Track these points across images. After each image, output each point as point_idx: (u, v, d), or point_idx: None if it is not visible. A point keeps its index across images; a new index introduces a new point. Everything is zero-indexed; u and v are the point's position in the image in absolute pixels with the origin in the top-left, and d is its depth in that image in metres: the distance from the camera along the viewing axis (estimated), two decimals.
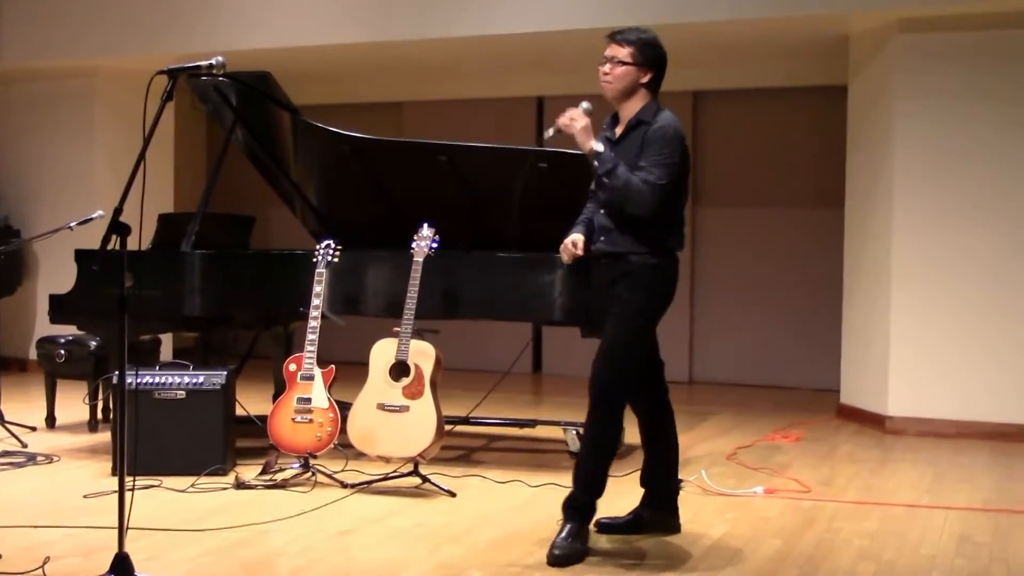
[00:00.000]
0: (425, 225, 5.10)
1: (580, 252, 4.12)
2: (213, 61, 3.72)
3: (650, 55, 4.00)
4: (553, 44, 7.68)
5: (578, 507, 3.98)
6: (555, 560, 3.84)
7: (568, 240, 4.16)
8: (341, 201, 6.36)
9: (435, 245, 5.05)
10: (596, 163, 3.92)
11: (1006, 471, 5.68)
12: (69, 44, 8.44)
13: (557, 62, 8.53)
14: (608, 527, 4.23)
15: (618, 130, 4.06)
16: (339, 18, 7.68)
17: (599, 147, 3.92)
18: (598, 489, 3.99)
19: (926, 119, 6.69)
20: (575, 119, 3.93)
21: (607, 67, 4.01)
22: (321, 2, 7.72)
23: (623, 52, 3.99)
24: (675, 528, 4.27)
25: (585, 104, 3.99)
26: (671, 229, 4.01)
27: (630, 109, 4.02)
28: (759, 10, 6.69)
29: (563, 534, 3.93)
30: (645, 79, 4.00)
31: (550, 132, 4.00)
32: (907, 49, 6.72)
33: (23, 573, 3.60)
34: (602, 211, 4.04)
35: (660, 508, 4.28)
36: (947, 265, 6.67)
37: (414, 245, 5.05)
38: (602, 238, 4.04)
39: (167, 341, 8.07)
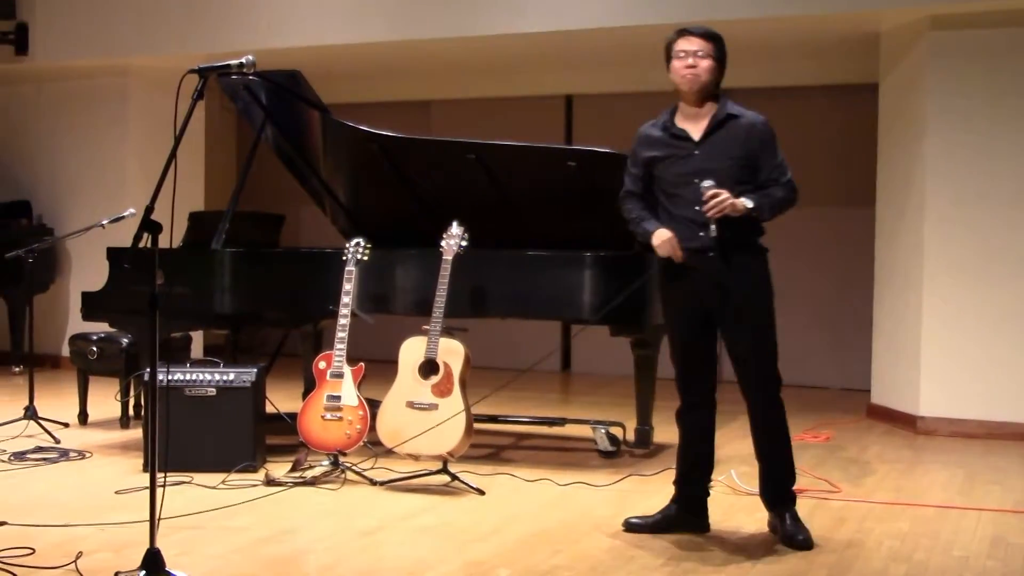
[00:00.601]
0: (454, 223, 5.10)
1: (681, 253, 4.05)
2: (243, 60, 3.74)
3: (724, 46, 4.07)
4: (582, 42, 7.67)
5: (790, 494, 4.19)
6: (808, 543, 4.04)
7: (670, 239, 4.02)
8: (370, 199, 6.38)
9: (464, 243, 5.05)
10: (756, 213, 3.97)
11: None
12: (101, 43, 8.50)
13: (586, 60, 8.52)
14: (637, 526, 4.23)
15: (698, 126, 4.04)
16: (368, 17, 7.70)
17: (749, 203, 3.94)
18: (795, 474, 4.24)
19: (958, 117, 6.63)
20: (722, 200, 3.87)
21: (691, 60, 4.00)
22: (350, 1, 7.74)
23: (708, 47, 4.02)
24: (705, 527, 4.26)
25: (709, 182, 3.91)
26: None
27: (709, 105, 4.06)
28: (789, 8, 6.65)
29: (792, 520, 4.12)
30: (721, 77, 4.08)
31: (713, 230, 3.92)
32: (938, 46, 6.66)
33: (56, 568, 3.64)
34: (697, 208, 3.96)
35: (694, 508, 4.27)
36: (979, 265, 6.61)
37: (443, 243, 5.05)
38: (701, 233, 3.98)
39: (198, 339, 8.12)
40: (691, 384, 4.20)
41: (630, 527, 4.22)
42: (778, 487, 4.21)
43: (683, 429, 4.28)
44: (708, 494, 4.30)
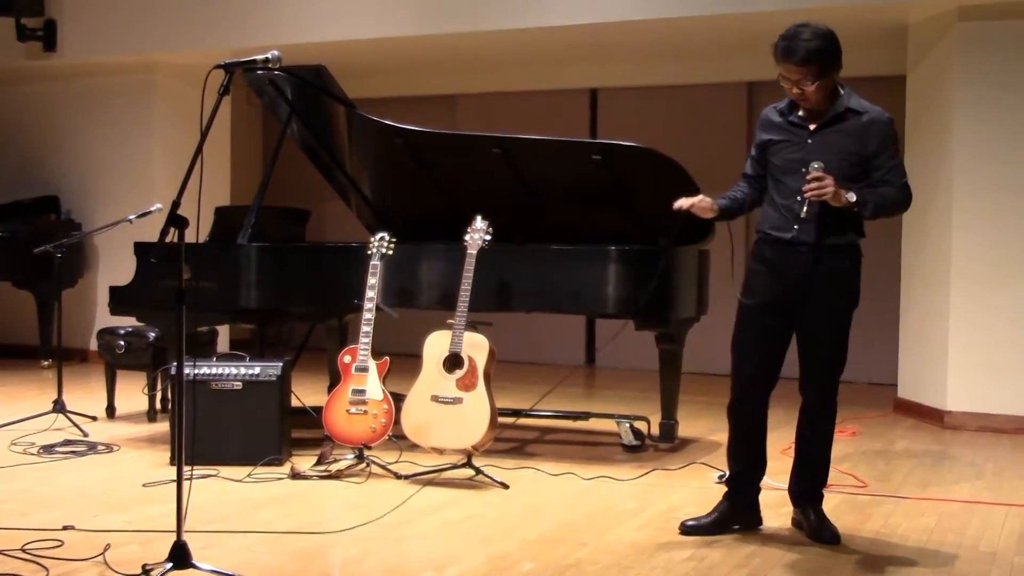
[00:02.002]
0: (479, 217, 5.11)
1: (689, 205, 4.06)
2: (269, 55, 3.75)
3: (829, 56, 3.91)
4: (607, 35, 7.66)
5: (819, 493, 4.21)
6: (836, 538, 4.06)
7: (700, 198, 4.08)
8: (395, 194, 6.39)
9: (489, 237, 5.05)
10: (857, 208, 3.88)
11: None
12: (127, 39, 8.56)
13: (611, 54, 8.50)
14: (695, 528, 4.17)
15: (817, 116, 3.98)
16: (393, 12, 7.71)
17: (852, 196, 3.86)
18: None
19: (987, 109, 6.57)
20: (824, 184, 3.81)
21: (796, 89, 3.91)
22: None
23: (807, 72, 3.87)
24: (759, 522, 4.26)
25: (817, 164, 3.85)
26: (861, 221, 4.03)
27: (829, 101, 3.98)
28: (816, 0, 6.61)
29: (818, 515, 4.13)
30: (837, 74, 3.97)
31: (805, 210, 3.86)
32: (967, 38, 6.61)
33: (84, 560, 3.67)
34: (799, 198, 3.90)
35: (747, 504, 4.26)
36: (1007, 258, 6.55)
37: (467, 238, 5.06)
38: (796, 227, 3.95)
39: (224, 333, 8.16)
40: (748, 377, 4.12)
41: (687, 530, 4.14)
42: (810, 483, 4.19)
43: (734, 426, 4.22)
44: (759, 490, 4.27)
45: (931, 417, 6.76)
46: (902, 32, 7.21)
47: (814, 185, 3.81)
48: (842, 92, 4.01)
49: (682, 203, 4.10)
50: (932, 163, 6.87)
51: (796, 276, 4.00)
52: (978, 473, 5.41)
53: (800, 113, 4.03)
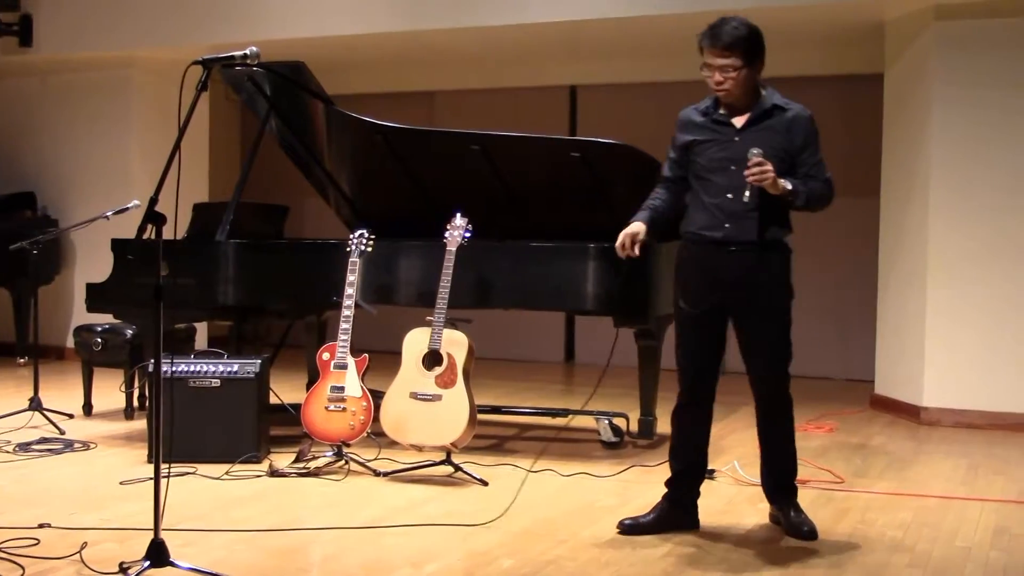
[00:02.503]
0: (458, 214, 5.11)
1: (635, 253, 4.03)
2: (247, 51, 3.74)
3: (754, 47, 3.92)
4: (586, 32, 7.66)
5: (792, 486, 4.20)
6: (813, 533, 4.05)
7: (627, 234, 4.03)
8: (374, 190, 6.38)
9: (468, 234, 5.05)
10: (791, 198, 3.91)
11: None
12: (104, 35, 8.51)
13: (590, 50, 8.51)
14: (632, 528, 4.15)
15: (741, 114, 3.98)
16: (372, 8, 7.70)
17: (789, 184, 3.89)
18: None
19: (963, 108, 6.62)
20: (765, 170, 3.81)
21: (719, 76, 3.90)
22: None
23: (733, 59, 3.88)
24: (696, 525, 4.22)
25: (756, 150, 3.85)
26: (788, 215, 4.05)
27: (750, 97, 3.98)
28: None
29: (795, 511, 4.13)
30: (759, 71, 3.98)
31: (747, 195, 3.86)
32: (944, 36, 6.65)
33: (60, 558, 3.65)
34: (729, 196, 3.92)
35: (686, 505, 4.23)
36: (983, 255, 6.60)
37: (447, 235, 5.06)
38: (727, 225, 3.94)
39: (202, 330, 8.13)
40: (692, 381, 4.12)
41: (625, 529, 4.12)
42: (780, 479, 4.20)
43: (678, 427, 4.21)
44: (699, 493, 4.26)
45: (907, 413, 6.81)
46: (879, 30, 7.24)
47: (755, 170, 3.82)
48: (764, 92, 4.01)
49: (626, 252, 4.04)
50: (909, 160, 6.91)
51: (732, 278, 3.98)
52: (954, 468, 5.45)
53: (723, 111, 4.02)
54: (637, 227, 4.05)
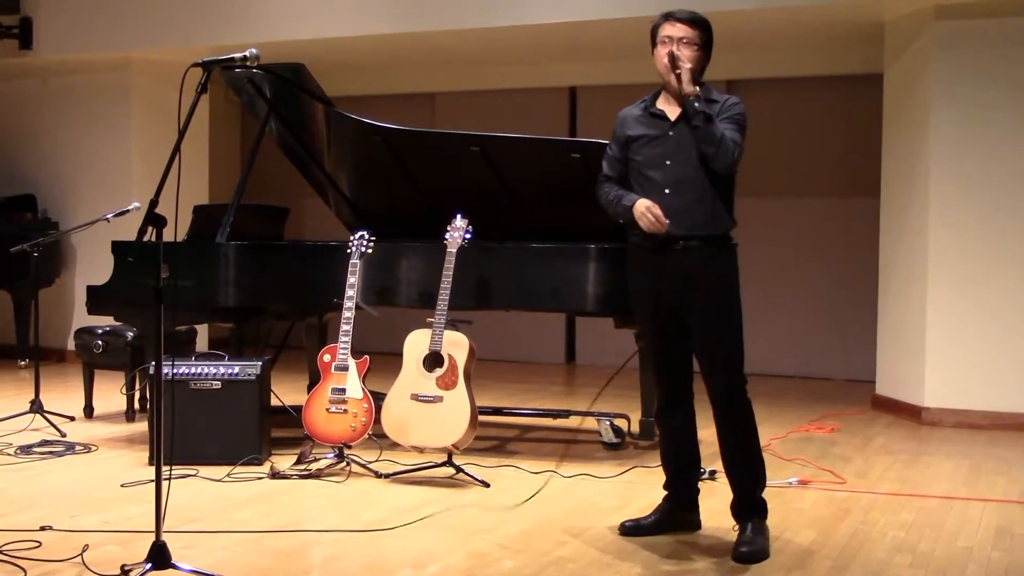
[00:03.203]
0: (458, 216, 5.11)
1: (665, 220, 3.80)
2: (247, 53, 3.74)
3: (711, 36, 3.95)
4: (586, 33, 7.66)
5: (759, 504, 3.98)
6: (750, 556, 3.81)
7: (648, 207, 3.80)
8: (374, 192, 6.38)
9: (468, 236, 5.05)
10: (698, 104, 3.80)
11: None
12: (104, 37, 8.52)
13: (590, 51, 8.51)
14: (633, 529, 4.14)
15: (677, 108, 3.91)
16: (372, 9, 7.70)
17: (698, 91, 3.83)
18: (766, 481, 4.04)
19: (963, 107, 6.62)
20: (683, 61, 3.81)
21: (674, 48, 3.86)
22: None
23: (693, 34, 3.89)
24: (698, 525, 4.21)
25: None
26: (732, 208, 3.97)
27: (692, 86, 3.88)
28: None
29: (751, 530, 3.90)
30: (706, 65, 3.96)
31: (686, 82, 3.80)
32: (943, 36, 6.65)
33: (62, 561, 3.65)
34: (667, 191, 3.87)
35: (686, 506, 4.23)
36: (984, 256, 6.60)
37: (447, 236, 5.05)
38: (667, 221, 3.81)
39: (203, 332, 8.14)
40: (668, 383, 4.07)
41: (626, 531, 4.12)
42: (742, 495, 3.98)
43: (664, 430, 4.18)
44: (698, 491, 4.24)
45: (909, 413, 6.80)
46: (879, 30, 7.24)
47: (684, 63, 3.81)
48: (703, 88, 3.93)
49: (662, 220, 3.83)
50: (909, 160, 6.91)
51: (676, 277, 3.89)
52: (955, 469, 5.45)
53: (659, 106, 3.97)
54: (646, 200, 3.84)
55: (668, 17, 3.95)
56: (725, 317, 3.93)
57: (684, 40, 3.89)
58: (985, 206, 6.59)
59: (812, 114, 8.56)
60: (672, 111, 3.95)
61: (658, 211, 3.80)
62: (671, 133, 3.93)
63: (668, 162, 3.90)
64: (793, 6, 6.72)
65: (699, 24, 3.93)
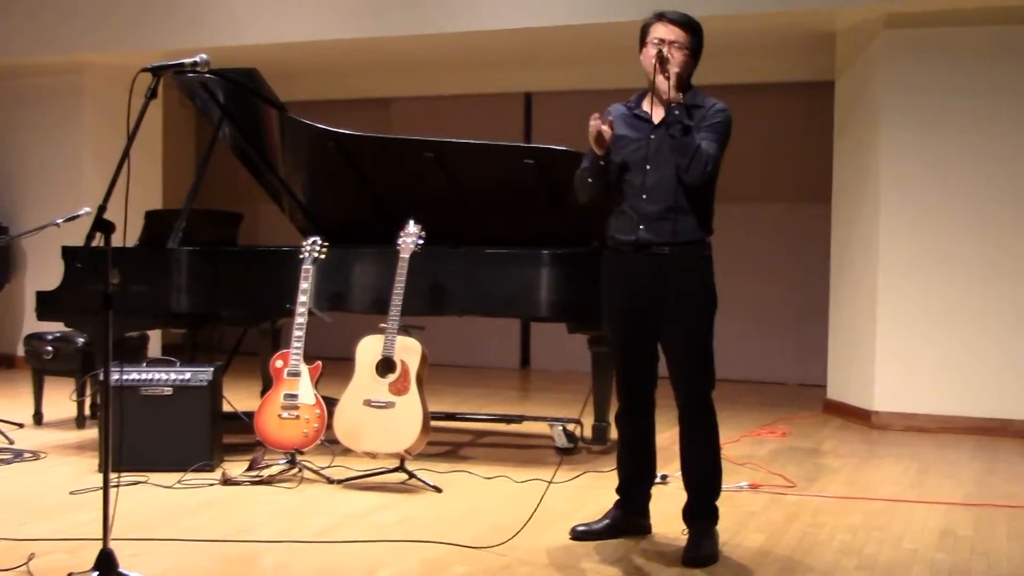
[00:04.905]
0: (411, 221, 5.11)
1: (607, 128, 3.79)
2: (197, 58, 3.72)
3: (701, 41, 3.90)
4: (541, 40, 7.69)
5: (713, 510, 3.99)
6: (697, 561, 3.82)
7: (594, 121, 3.78)
8: (328, 197, 6.37)
9: (421, 241, 5.05)
10: (677, 112, 3.76)
11: (987, 465, 5.72)
12: (54, 40, 8.44)
13: (545, 58, 8.55)
14: (585, 534, 4.15)
15: (662, 111, 3.86)
16: (328, 14, 7.68)
17: (682, 99, 3.78)
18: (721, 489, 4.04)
19: (912, 115, 6.72)
20: (672, 65, 3.74)
21: (664, 50, 3.79)
22: None
23: (685, 37, 3.83)
24: (648, 530, 4.23)
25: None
26: (710, 217, 3.94)
27: (678, 91, 3.82)
28: (745, 6, 6.71)
29: (701, 535, 3.91)
30: (695, 67, 3.91)
31: (663, 53, 3.76)
32: (893, 45, 6.75)
33: (8, 570, 3.61)
34: (644, 197, 3.84)
35: (638, 511, 4.24)
36: (932, 261, 6.70)
37: (400, 241, 5.06)
38: (641, 227, 3.84)
39: (155, 338, 8.07)
40: (631, 388, 4.06)
41: (577, 535, 4.13)
42: (699, 501, 4.00)
43: (624, 434, 4.17)
44: (650, 497, 4.25)
45: (859, 417, 6.89)
46: (830, 39, 7.34)
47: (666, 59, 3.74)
48: (690, 92, 3.91)
49: (606, 130, 3.79)
50: (860, 166, 7.00)
51: (646, 283, 3.87)
52: (903, 472, 5.53)
53: (645, 108, 3.91)
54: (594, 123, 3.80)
55: (661, 17, 3.89)
56: (694, 326, 3.91)
57: (675, 44, 3.84)
58: (934, 213, 6.69)
59: (765, 120, 8.64)
60: (656, 114, 3.89)
61: (596, 121, 3.76)
62: (652, 137, 3.87)
63: (648, 167, 3.85)
64: (746, 14, 6.79)
65: (691, 28, 3.87)
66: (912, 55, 6.71)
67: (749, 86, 8.60)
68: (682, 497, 4.05)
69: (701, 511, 3.99)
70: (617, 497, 4.23)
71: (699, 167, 3.78)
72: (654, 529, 4.23)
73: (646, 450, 4.16)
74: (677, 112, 3.79)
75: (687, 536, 3.97)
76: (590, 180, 3.94)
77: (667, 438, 4.30)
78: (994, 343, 6.59)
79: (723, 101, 3.97)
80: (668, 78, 3.78)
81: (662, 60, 3.80)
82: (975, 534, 4.34)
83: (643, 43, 3.92)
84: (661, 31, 3.87)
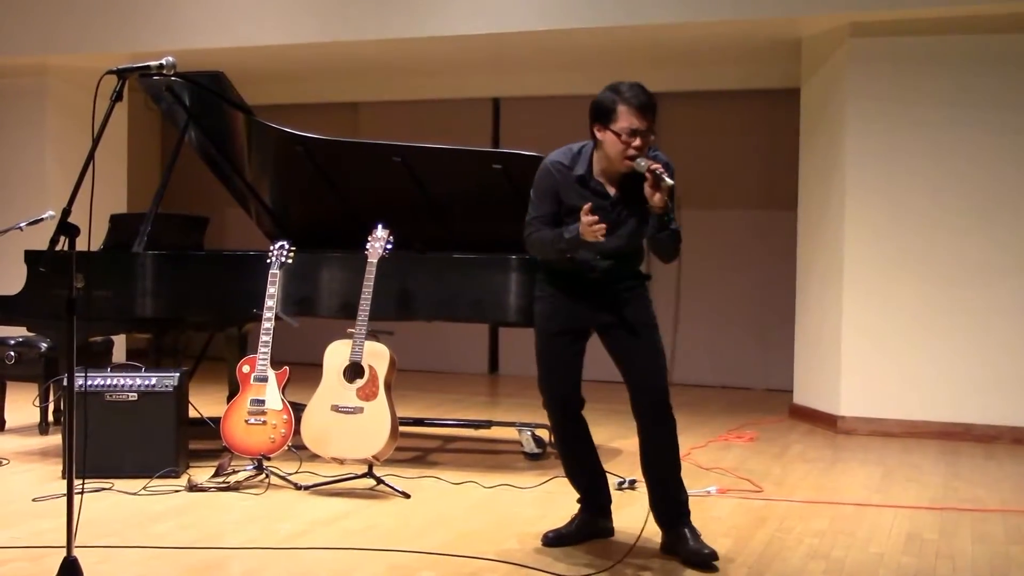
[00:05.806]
0: (379, 226, 5.09)
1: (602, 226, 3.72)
2: (163, 61, 3.69)
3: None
4: (509, 45, 7.70)
5: (684, 508, 4.03)
6: (714, 556, 3.88)
7: (589, 221, 3.71)
8: (295, 202, 6.34)
9: (389, 246, 5.04)
10: (668, 218, 3.77)
11: (952, 470, 5.77)
12: (18, 40, 8.34)
13: (513, 63, 8.55)
14: (557, 540, 4.17)
15: (614, 179, 3.88)
16: (295, 18, 7.65)
17: (670, 208, 3.79)
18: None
19: (877, 122, 6.78)
20: (666, 180, 3.66)
21: (639, 141, 3.77)
22: (277, 1, 7.69)
23: (653, 121, 3.82)
24: (611, 531, 4.26)
25: (643, 162, 3.72)
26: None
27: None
28: (711, 13, 6.74)
29: (691, 537, 3.96)
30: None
31: (657, 172, 3.67)
32: (858, 53, 6.80)
33: None
34: (597, 256, 3.92)
35: (602, 513, 4.28)
36: (897, 267, 6.76)
37: (368, 246, 5.04)
38: (604, 264, 3.95)
39: (120, 343, 7.99)
40: (565, 401, 4.11)
41: (549, 541, 4.14)
42: (672, 505, 4.05)
43: (566, 447, 4.22)
44: (611, 499, 4.29)
45: (825, 422, 6.93)
46: (796, 46, 7.39)
47: (663, 172, 3.67)
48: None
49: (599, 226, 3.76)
50: (825, 173, 7.05)
51: (598, 298, 3.99)
52: (869, 476, 5.56)
53: (599, 179, 3.91)
54: (585, 218, 3.73)
55: (631, 104, 3.77)
56: (652, 340, 4.01)
57: (648, 134, 3.80)
58: (899, 219, 6.75)
59: (731, 127, 8.70)
60: (611, 188, 3.91)
61: (592, 218, 3.71)
62: (611, 213, 3.86)
63: (604, 237, 3.78)
64: (713, 21, 6.82)
65: (655, 109, 3.83)
66: (877, 63, 6.77)
67: (715, 93, 8.65)
68: (645, 499, 4.06)
69: (679, 511, 4.04)
70: (580, 504, 4.26)
71: (678, 247, 3.91)
72: (617, 530, 4.25)
73: (591, 453, 4.23)
74: (666, 219, 3.78)
75: (679, 540, 3.98)
76: (552, 255, 3.98)
77: (630, 443, 4.30)
78: (957, 348, 6.66)
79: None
80: (663, 192, 3.70)
81: (656, 180, 3.68)
82: (940, 538, 4.38)
83: (606, 123, 3.81)
84: (636, 122, 3.77)
